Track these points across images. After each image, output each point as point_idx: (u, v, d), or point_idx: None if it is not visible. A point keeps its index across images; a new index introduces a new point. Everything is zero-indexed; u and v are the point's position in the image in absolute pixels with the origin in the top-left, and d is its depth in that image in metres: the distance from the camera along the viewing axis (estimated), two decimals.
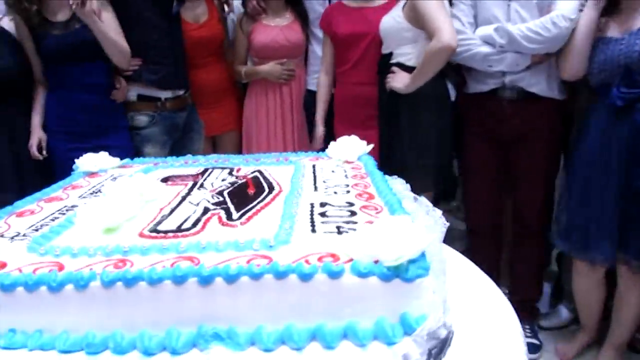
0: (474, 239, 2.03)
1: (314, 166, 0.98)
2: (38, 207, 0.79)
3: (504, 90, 1.72)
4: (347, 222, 0.67)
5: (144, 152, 1.90)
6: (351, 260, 0.54)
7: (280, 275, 0.52)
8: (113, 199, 0.70)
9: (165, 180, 0.91)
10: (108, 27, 1.74)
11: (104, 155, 1.03)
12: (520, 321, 2.12)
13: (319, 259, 0.55)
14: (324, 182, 0.87)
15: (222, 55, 2.28)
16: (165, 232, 0.65)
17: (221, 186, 0.86)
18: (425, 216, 0.75)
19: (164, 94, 1.92)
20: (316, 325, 0.52)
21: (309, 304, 0.53)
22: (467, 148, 1.94)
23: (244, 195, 0.80)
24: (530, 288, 1.92)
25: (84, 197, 0.83)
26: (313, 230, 0.65)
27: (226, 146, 2.40)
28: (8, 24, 1.74)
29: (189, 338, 0.52)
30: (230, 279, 0.52)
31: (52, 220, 0.72)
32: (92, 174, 0.98)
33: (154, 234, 0.65)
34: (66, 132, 1.79)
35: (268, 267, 0.53)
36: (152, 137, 1.93)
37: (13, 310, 0.54)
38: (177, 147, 2.04)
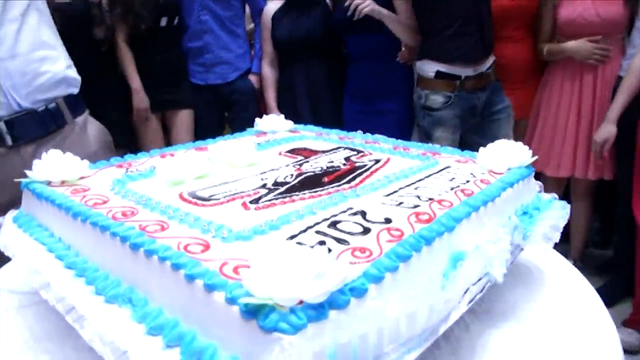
0: None
1: (445, 168, 0.82)
2: (180, 153, 0.94)
3: None
4: (340, 241, 0.55)
5: (434, 135, 1.81)
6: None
7: (174, 267, 0.50)
8: (191, 156, 0.78)
9: (291, 151, 0.94)
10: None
11: (279, 117, 1.12)
12: None
13: (234, 268, 0.49)
14: (416, 189, 0.72)
15: (532, 29, 2.04)
16: (196, 197, 0.70)
17: (315, 168, 0.82)
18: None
19: (465, 72, 1.77)
20: (188, 330, 0.48)
21: (190, 307, 0.49)
22: None
23: (312, 183, 0.75)
24: None
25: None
26: (292, 237, 0.57)
27: (522, 132, 2.17)
28: None
29: (116, 291, 0.56)
30: (147, 253, 0.53)
31: None
32: (260, 134, 1.08)
33: (186, 197, 0.70)
34: (355, 95, 2.00)
35: (168, 254, 0.51)
36: (445, 120, 1.81)
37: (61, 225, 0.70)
38: (481, 129, 1.87)
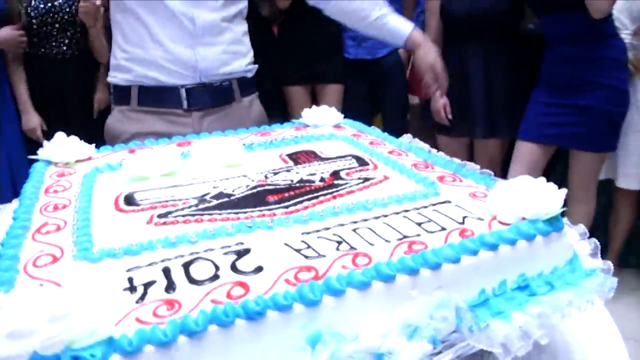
0: None
1: (438, 204, 0.61)
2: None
3: None
4: (169, 287, 0.46)
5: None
6: None
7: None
8: (162, 152, 0.74)
9: (291, 154, 0.82)
10: None
11: (329, 110, 1.00)
12: None
13: None
14: (355, 230, 0.55)
15: None
16: (127, 201, 0.65)
17: (286, 181, 0.70)
18: None
19: None
20: None
21: None
22: None
23: (255, 201, 0.64)
24: None
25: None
26: (135, 268, 0.49)
27: None
28: None
29: None
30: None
31: None
32: (300, 127, 0.98)
33: (120, 199, 0.66)
34: (549, 84, 1.69)
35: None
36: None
37: None
38: None
